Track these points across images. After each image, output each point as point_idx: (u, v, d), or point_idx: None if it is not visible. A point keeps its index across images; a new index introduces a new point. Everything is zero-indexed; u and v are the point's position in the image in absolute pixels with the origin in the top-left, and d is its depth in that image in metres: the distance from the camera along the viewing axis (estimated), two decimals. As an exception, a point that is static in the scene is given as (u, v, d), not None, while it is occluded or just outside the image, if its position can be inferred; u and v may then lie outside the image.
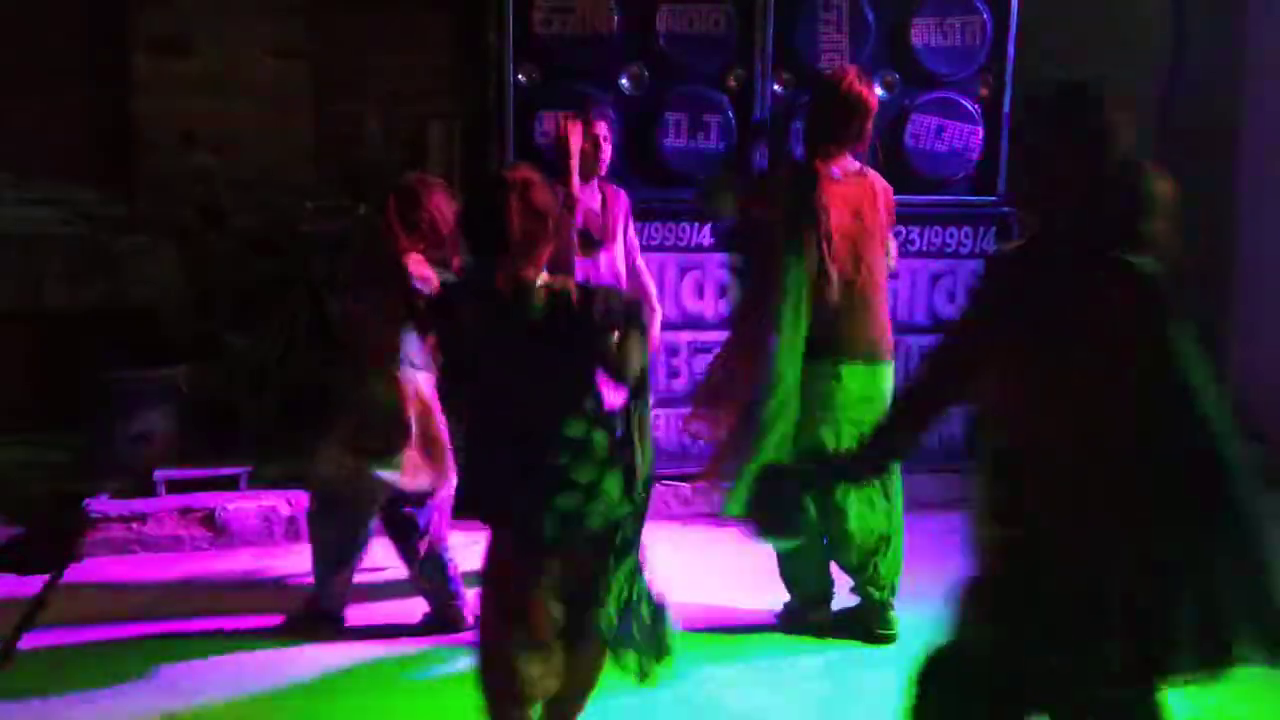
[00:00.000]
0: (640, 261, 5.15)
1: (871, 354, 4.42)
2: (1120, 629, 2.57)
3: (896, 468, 4.53)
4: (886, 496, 4.53)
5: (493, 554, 3.28)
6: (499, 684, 3.24)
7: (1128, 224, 2.70)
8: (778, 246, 4.30)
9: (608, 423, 3.24)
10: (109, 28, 6.90)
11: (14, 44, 6.80)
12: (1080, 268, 2.63)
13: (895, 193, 4.72)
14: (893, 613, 4.56)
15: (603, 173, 4.91)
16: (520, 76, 5.81)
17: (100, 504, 5.52)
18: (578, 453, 3.16)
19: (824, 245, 4.30)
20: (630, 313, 3.21)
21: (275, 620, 4.66)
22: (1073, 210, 2.68)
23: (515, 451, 3.18)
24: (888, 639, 4.53)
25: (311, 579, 4.65)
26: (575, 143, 4.74)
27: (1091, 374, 2.58)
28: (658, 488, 5.77)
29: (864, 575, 4.55)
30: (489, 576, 3.28)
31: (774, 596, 4.75)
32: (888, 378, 4.48)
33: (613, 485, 3.20)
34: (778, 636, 4.65)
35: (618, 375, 3.22)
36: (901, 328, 6.12)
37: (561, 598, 3.21)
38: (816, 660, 4.46)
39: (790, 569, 4.66)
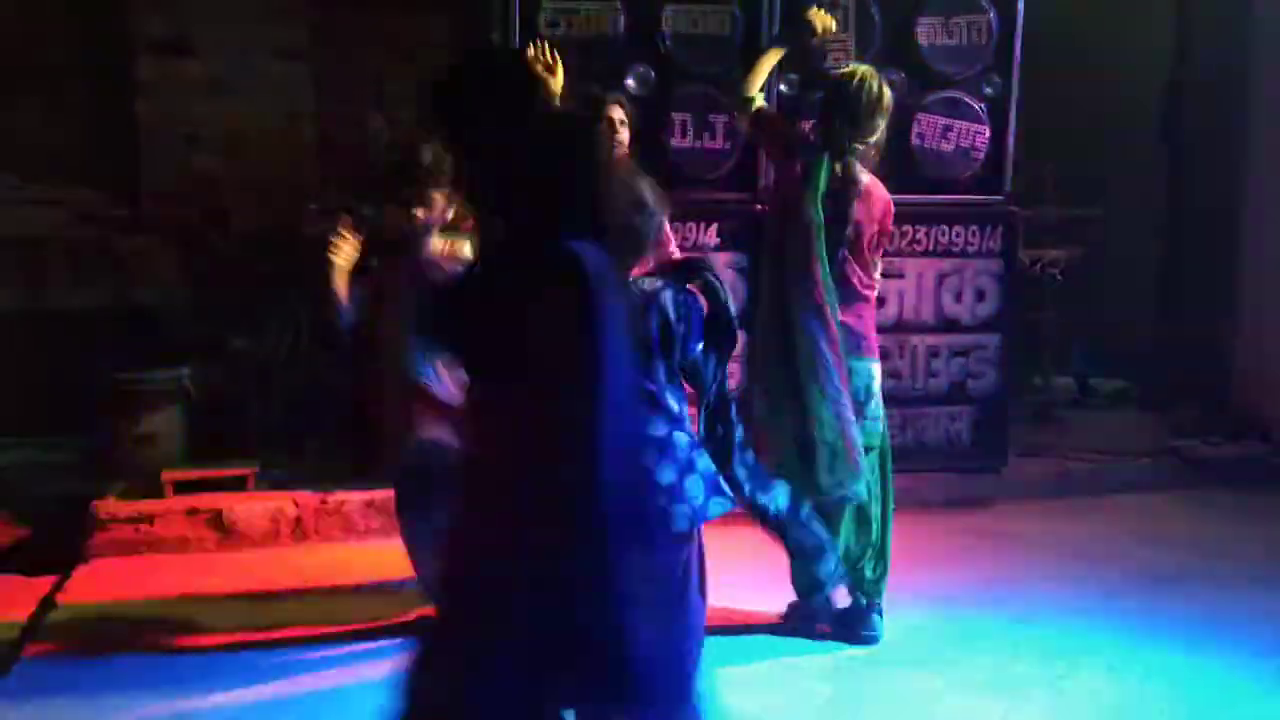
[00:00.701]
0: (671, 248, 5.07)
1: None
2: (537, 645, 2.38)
3: (887, 472, 4.60)
4: (879, 505, 4.55)
5: None
6: None
7: (584, 211, 2.46)
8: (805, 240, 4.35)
9: (687, 426, 3.26)
10: (112, 30, 6.89)
11: (17, 46, 6.79)
12: (522, 269, 2.39)
13: (901, 191, 4.72)
14: (876, 616, 4.59)
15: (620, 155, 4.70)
16: (526, 77, 5.80)
17: (107, 505, 5.51)
18: (661, 453, 3.17)
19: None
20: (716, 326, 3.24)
21: (283, 622, 4.66)
22: (526, 204, 2.43)
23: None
24: (869, 640, 4.56)
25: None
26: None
27: (530, 386, 2.36)
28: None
29: (851, 580, 4.59)
30: None
31: (779, 596, 4.76)
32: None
33: (697, 487, 3.21)
34: (783, 637, 4.64)
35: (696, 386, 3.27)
36: (908, 327, 6.16)
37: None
38: (821, 661, 4.45)
39: (799, 571, 4.68)
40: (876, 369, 4.51)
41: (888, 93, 4.44)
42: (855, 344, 4.41)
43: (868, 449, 4.44)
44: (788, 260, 4.39)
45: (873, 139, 4.43)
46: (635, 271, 3.28)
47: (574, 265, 2.32)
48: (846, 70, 4.54)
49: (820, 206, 4.34)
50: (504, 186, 2.44)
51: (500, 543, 2.38)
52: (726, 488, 3.29)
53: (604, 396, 2.32)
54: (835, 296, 4.33)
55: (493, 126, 2.40)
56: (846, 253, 4.40)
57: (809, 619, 4.68)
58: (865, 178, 4.46)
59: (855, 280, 4.43)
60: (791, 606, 4.75)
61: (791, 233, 4.39)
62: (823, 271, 4.31)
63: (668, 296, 3.18)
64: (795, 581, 4.71)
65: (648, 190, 3.21)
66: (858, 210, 4.40)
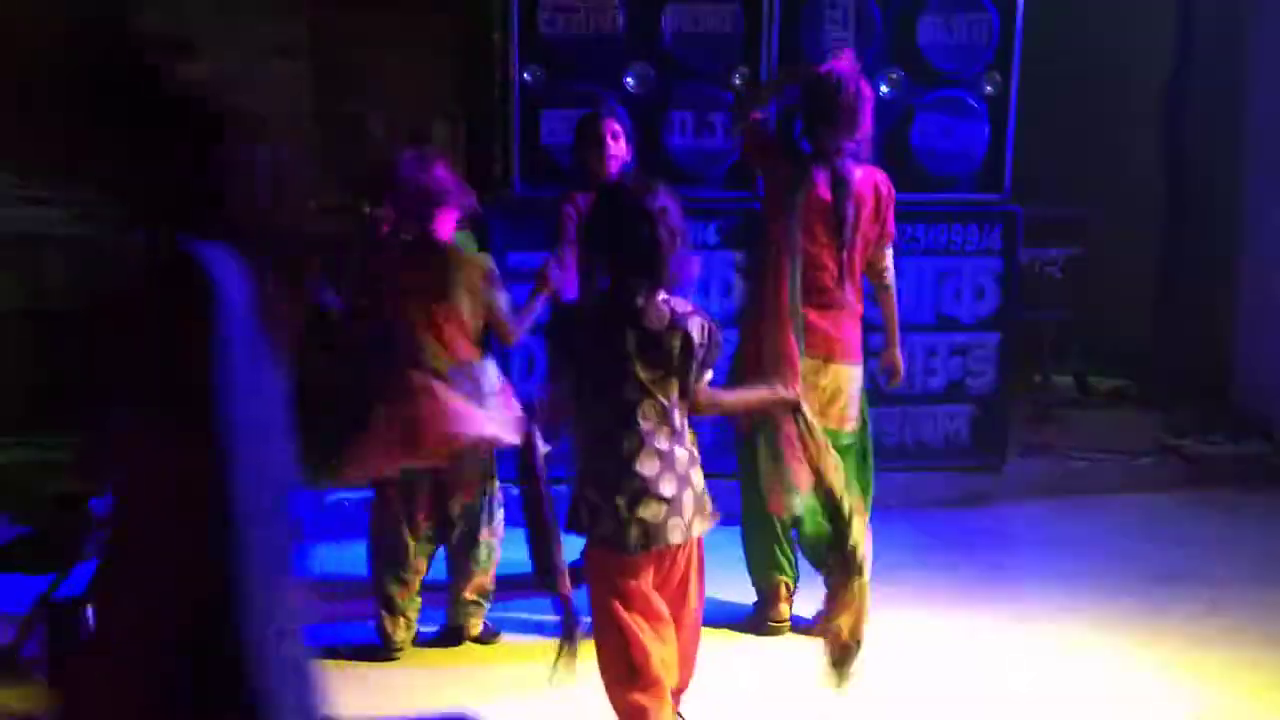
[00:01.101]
0: None
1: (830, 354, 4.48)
2: None
3: (867, 470, 4.63)
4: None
5: (590, 561, 3.42)
6: (625, 675, 3.37)
7: (221, 209, 2.14)
8: (779, 244, 4.41)
9: (686, 441, 3.37)
10: (109, 28, 6.87)
11: (13, 44, 6.77)
12: (142, 278, 2.08)
13: (901, 190, 4.71)
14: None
15: (611, 171, 4.72)
16: (526, 75, 5.81)
17: (106, 504, 5.50)
18: (664, 464, 3.29)
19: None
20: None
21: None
22: (156, 201, 2.14)
23: (607, 459, 3.31)
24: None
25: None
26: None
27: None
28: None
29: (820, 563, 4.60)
30: (590, 583, 3.42)
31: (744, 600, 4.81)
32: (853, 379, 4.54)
33: (690, 502, 3.33)
34: (778, 638, 4.64)
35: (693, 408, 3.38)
36: (906, 326, 6.13)
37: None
38: (818, 661, 4.45)
39: (750, 567, 4.74)
40: (854, 373, 4.52)
41: (866, 88, 4.43)
42: (828, 349, 4.44)
43: (845, 448, 4.45)
44: (765, 274, 4.45)
45: (859, 137, 4.43)
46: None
47: (190, 273, 1.99)
48: (822, 71, 4.49)
49: (796, 224, 4.37)
50: (134, 181, 2.16)
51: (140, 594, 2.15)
52: (710, 506, 3.41)
53: (229, 432, 2.00)
54: (800, 317, 4.37)
55: (120, 114, 2.16)
56: (841, 258, 4.44)
57: (763, 617, 4.72)
58: (858, 173, 4.46)
59: (836, 285, 4.46)
60: (754, 605, 4.78)
61: (769, 250, 4.44)
62: (791, 290, 4.36)
63: (696, 321, 3.28)
64: (755, 584, 4.73)
65: (662, 204, 3.27)
66: (852, 212, 4.42)
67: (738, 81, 5.91)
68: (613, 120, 4.74)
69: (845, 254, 4.44)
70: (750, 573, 4.71)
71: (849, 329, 4.52)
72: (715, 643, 4.47)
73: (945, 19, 6.04)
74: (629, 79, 5.89)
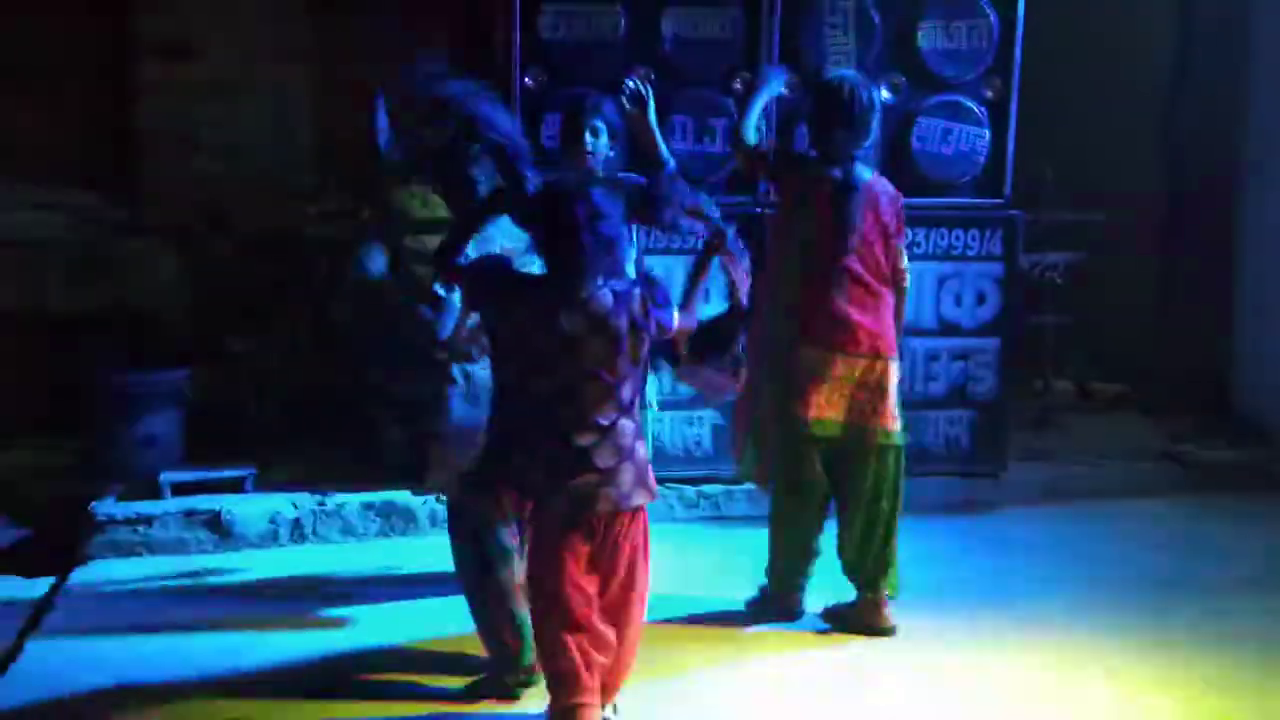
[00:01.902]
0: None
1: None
2: None
3: (899, 471, 4.66)
4: (888, 502, 4.64)
5: (533, 527, 3.56)
6: (554, 647, 3.47)
7: None
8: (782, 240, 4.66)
9: (634, 413, 3.50)
10: (112, 32, 6.89)
11: (17, 48, 6.79)
12: None
13: (902, 195, 4.74)
14: (887, 610, 4.65)
15: (589, 164, 4.51)
16: (527, 79, 5.81)
17: (105, 507, 5.51)
18: (603, 438, 3.41)
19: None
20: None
21: (280, 624, 4.65)
22: None
23: (547, 429, 3.43)
24: (885, 632, 4.63)
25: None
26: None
27: None
28: (661, 490, 5.78)
29: (860, 574, 4.67)
30: (530, 549, 3.56)
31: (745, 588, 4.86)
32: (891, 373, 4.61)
33: (628, 474, 3.44)
34: (778, 636, 4.64)
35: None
36: (907, 330, 6.12)
37: (592, 571, 3.49)
38: (820, 664, 4.45)
39: (775, 554, 4.77)
40: (896, 367, 4.61)
41: (876, 97, 4.63)
42: (873, 343, 4.54)
43: (883, 447, 4.57)
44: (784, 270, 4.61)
45: (868, 142, 4.60)
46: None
47: None
48: (834, 80, 4.64)
49: (810, 223, 4.53)
50: None
51: None
52: (653, 481, 3.55)
53: None
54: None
55: None
56: (856, 257, 4.53)
57: (773, 604, 4.76)
58: (868, 175, 4.60)
59: (870, 280, 4.55)
60: (760, 589, 4.79)
61: (785, 247, 4.64)
62: (790, 285, 4.57)
63: (635, 295, 3.45)
64: (770, 570, 4.76)
65: (593, 205, 3.40)
66: (863, 214, 4.52)
67: (738, 86, 5.92)
68: (595, 118, 4.57)
69: (861, 253, 4.53)
70: (769, 566, 4.78)
71: (886, 320, 4.62)
72: (715, 638, 4.49)
73: (945, 23, 6.04)
74: (629, 83, 5.86)
